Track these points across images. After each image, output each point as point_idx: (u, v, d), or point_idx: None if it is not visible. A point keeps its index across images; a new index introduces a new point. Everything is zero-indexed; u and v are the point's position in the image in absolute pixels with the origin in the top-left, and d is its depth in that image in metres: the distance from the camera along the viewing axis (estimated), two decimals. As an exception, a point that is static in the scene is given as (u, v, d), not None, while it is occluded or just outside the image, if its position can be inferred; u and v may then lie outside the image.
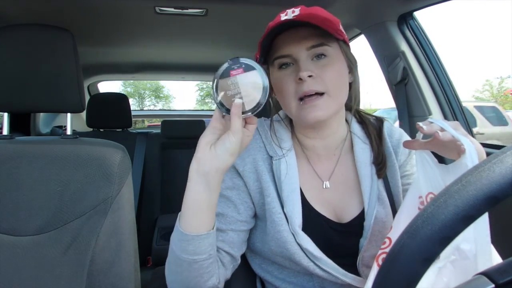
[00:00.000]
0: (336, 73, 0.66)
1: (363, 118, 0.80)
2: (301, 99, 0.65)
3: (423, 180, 0.62)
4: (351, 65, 0.71)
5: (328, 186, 0.74)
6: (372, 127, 0.78)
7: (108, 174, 0.85)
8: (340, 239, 0.71)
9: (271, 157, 0.72)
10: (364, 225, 0.70)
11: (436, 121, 0.58)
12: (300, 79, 0.63)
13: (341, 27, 0.66)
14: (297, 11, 0.63)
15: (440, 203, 0.29)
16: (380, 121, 0.80)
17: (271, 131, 0.75)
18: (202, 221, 0.58)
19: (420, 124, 0.57)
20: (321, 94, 0.65)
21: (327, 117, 0.67)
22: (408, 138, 0.80)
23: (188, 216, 0.58)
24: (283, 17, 0.63)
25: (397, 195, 0.75)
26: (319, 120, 0.66)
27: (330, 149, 0.76)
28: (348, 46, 0.72)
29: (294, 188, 0.70)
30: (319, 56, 0.66)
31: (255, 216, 0.75)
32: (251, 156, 0.72)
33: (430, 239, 0.28)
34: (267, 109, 0.76)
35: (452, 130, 0.56)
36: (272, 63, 0.69)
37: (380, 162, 0.73)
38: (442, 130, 0.56)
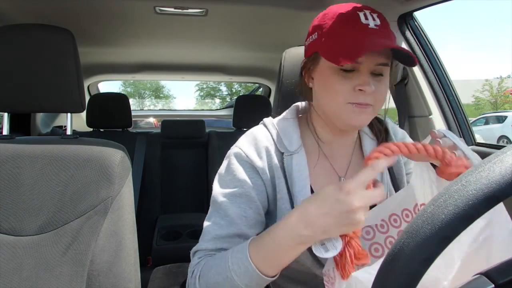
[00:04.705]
0: (385, 91, 0.68)
1: None
2: (350, 103, 0.66)
3: (419, 191, 0.62)
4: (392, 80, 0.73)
5: None
6: (376, 123, 0.82)
7: (108, 174, 0.85)
8: None
9: (281, 153, 0.72)
10: None
11: (448, 135, 0.60)
12: (361, 90, 0.64)
13: None
14: (376, 19, 0.64)
15: (440, 203, 0.30)
16: (381, 119, 0.83)
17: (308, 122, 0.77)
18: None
19: (436, 134, 0.60)
20: (370, 105, 0.66)
21: (365, 125, 0.71)
22: (410, 139, 0.84)
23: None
24: (363, 19, 0.63)
25: None
26: (360, 126, 0.69)
27: (345, 146, 0.78)
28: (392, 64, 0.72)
29: (305, 184, 0.70)
30: (378, 73, 0.66)
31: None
32: (266, 152, 0.72)
33: (430, 239, 0.28)
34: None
35: (464, 145, 0.57)
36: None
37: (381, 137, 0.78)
38: (454, 145, 0.58)
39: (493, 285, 0.28)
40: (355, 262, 0.53)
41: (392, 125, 0.83)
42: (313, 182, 0.72)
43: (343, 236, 0.54)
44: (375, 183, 0.56)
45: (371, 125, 0.81)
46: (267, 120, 0.78)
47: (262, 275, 0.58)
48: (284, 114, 0.79)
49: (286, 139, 0.73)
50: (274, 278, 0.59)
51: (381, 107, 0.70)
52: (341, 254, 0.54)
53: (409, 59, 0.66)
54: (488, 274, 0.29)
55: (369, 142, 0.79)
